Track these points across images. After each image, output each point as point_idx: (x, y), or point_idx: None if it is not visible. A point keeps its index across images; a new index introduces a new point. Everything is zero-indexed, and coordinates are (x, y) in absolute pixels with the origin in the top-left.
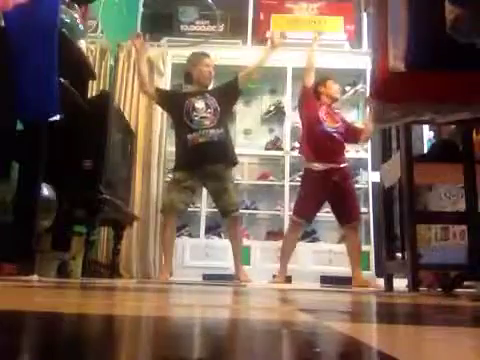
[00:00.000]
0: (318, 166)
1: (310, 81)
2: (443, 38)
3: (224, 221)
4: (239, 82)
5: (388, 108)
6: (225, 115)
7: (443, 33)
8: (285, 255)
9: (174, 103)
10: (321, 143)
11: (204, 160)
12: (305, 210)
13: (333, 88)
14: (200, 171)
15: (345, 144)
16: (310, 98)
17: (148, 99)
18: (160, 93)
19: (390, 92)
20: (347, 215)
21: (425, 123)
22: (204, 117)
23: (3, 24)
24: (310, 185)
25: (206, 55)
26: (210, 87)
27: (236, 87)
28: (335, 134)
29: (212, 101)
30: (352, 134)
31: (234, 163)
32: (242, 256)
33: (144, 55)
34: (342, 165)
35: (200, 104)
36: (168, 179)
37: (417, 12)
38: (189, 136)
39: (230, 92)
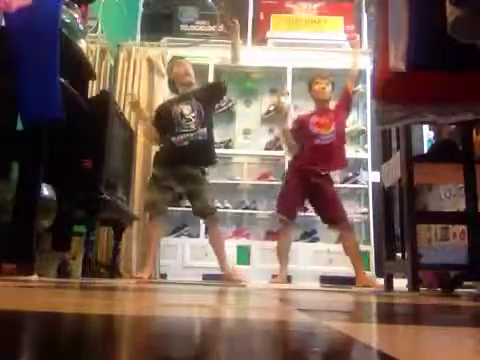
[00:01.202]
0: (298, 164)
1: (286, 124)
2: (444, 39)
3: (205, 222)
4: (223, 82)
5: (390, 109)
6: (208, 116)
7: (444, 34)
8: (280, 255)
9: (164, 116)
10: (314, 152)
11: (183, 162)
12: (284, 206)
13: (315, 90)
14: (177, 172)
15: (341, 146)
16: (297, 128)
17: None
18: (157, 123)
19: (391, 92)
20: (330, 217)
21: (427, 123)
22: (190, 120)
23: (4, 24)
24: (290, 181)
25: (179, 57)
26: (193, 88)
27: (220, 87)
28: (329, 141)
29: (196, 103)
30: (345, 98)
31: (213, 163)
32: (225, 255)
33: (144, 117)
34: (323, 172)
35: (186, 108)
36: None
37: (418, 13)
38: (174, 138)
39: (215, 93)
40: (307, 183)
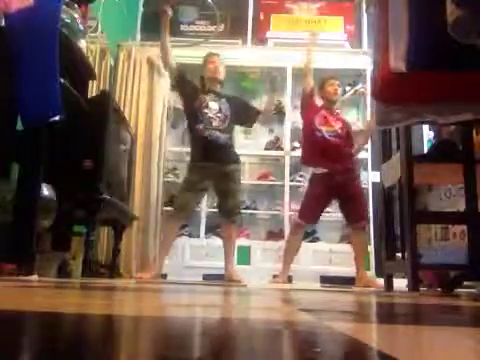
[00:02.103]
0: (322, 169)
1: (309, 84)
2: (444, 39)
3: (223, 221)
4: (256, 117)
5: (390, 109)
6: (233, 125)
7: (444, 34)
8: (288, 256)
9: (189, 92)
10: (318, 148)
11: (216, 158)
12: (308, 213)
13: (328, 91)
14: (213, 170)
15: (350, 144)
16: (309, 102)
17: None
18: (180, 73)
19: (391, 93)
20: (353, 215)
21: (427, 123)
22: (213, 118)
23: (4, 24)
24: (313, 188)
25: (213, 54)
26: (219, 87)
27: (252, 120)
28: (332, 138)
29: (226, 107)
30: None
31: (239, 163)
32: (234, 257)
33: (168, 27)
34: (346, 166)
35: (214, 105)
36: (168, 179)
37: (418, 13)
38: (198, 126)
39: (245, 117)
40: (334, 184)
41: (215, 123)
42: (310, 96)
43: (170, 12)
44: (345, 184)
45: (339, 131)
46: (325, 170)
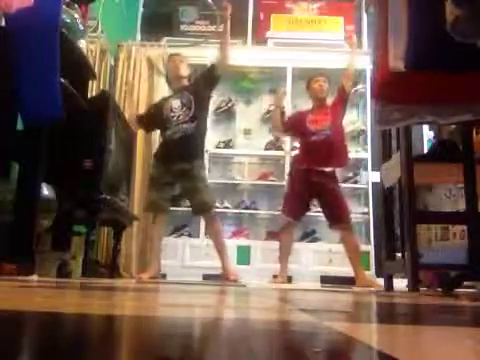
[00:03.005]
0: (302, 166)
1: (349, 85)
2: (443, 39)
3: (205, 220)
4: (215, 68)
5: (390, 109)
6: (200, 107)
7: (443, 34)
8: (283, 256)
9: (156, 117)
10: (310, 150)
11: (175, 156)
12: (289, 208)
13: (313, 88)
14: (171, 168)
15: (340, 143)
16: (291, 126)
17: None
18: (142, 120)
19: (390, 93)
20: (334, 217)
21: (427, 123)
22: (179, 115)
23: (4, 24)
24: (293, 183)
25: (172, 54)
26: (185, 82)
27: (213, 74)
28: (325, 138)
29: (186, 97)
30: (340, 95)
31: (199, 157)
32: (227, 254)
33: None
34: (325, 169)
35: (176, 103)
36: None
37: (417, 13)
38: (166, 133)
39: (206, 80)
40: (310, 183)
41: (181, 118)
42: (284, 131)
43: (230, 8)
44: (323, 185)
45: (332, 126)
46: (305, 167)
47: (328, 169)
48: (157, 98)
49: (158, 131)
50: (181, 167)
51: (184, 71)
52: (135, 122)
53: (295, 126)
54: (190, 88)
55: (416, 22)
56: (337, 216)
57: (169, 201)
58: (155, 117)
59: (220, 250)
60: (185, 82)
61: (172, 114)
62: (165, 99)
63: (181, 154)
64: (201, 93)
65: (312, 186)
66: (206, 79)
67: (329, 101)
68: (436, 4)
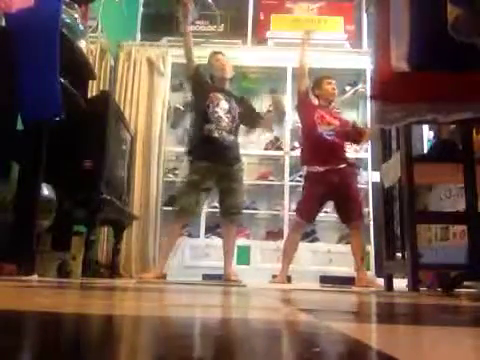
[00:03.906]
0: (317, 168)
1: (304, 85)
2: (445, 38)
3: (222, 220)
4: (259, 122)
5: (390, 109)
6: (238, 125)
7: (445, 33)
8: (287, 255)
9: (202, 90)
10: (317, 147)
11: (220, 157)
12: (307, 212)
13: (326, 89)
14: (215, 170)
15: (345, 144)
16: (305, 103)
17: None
18: (199, 70)
19: (392, 92)
20: (348, 215)
21: (427, 123)
22: (222, 118)
23: (4, 24)
24: (311, 187)
25: (217, 52)
26: (228, 85)
27: (256, 121)
28: (330, 137)
29: (234, 107)
30: (353, 135)
31: (241, 162)
32: (233, 257)
33: (188, 19)
34: (342, 166)
35: (225, 104)
36: (168, 179)
37: (419, 13)
38: (206, 126)
39: (250, 118)
40: (330, 183)
41: (224, 123)
42: (306, 96)
43: (190, 6)
44: (341, 183)
45: (338, 129)
46: (321, 169)
47: (344, 165)
48: (157, 98)
49: (158, 131)
50: (225, 169)
51: (230, 73)
52: (192, 68)
53: (308, 106)
54: (238, 103)
55: (418, 22)
56: (354, 213)
57: (202, 206)
58: (203, 87)
59: (228, 252)
60: (228, 84)
61: (217, 109)
62: (213, 87)
63: (225, 156)
64: (242, 118)
65: (332, 186)
66: (250, 118)
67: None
68: (438, 4)
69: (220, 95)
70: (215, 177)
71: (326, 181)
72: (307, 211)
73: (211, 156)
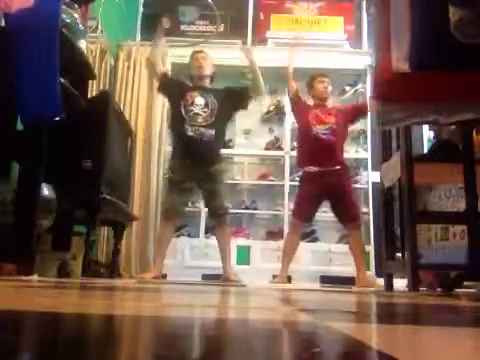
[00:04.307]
0: (312, 169)
1: (292, 88)
2: (447, 38)
3: (213, 222)
4: (248, 97)
5: (391, 109)
6: (221, 118)
7: (447, 33)
8: (286, 256)
9: (175, 92)
10: (312, 147)
11: (198, 156)
12: (303, 212)
13: (317, 88)
14: (195, 170)
15: (341, 144)
16: (299, 104)
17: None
18: (165, 76)
19: (393, 93)
20: (346, 215)
21: (428, 123)
22: (199, 114)
23: (4, 24)
24: (306, 188)
25: (197, 51)
26: (208, 82)
27: (244, 100)
28: (325, 136)
29: (212, 101)
30: (360, 110)
31: (220, 163)
32: (230, 256)
33: (162, 36)
34: (337, 167)
35: (200, 100)
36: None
37: (421, 13)
38: (183, 126)
39: (237, 100)
40: (325, 184)
41: (200, 119)
42: (297, 97)
43: (167, 25)
44: (336, 184)
45: (334, 126)
46: (316, 169)
47: (338, 167)
48: (157, 98)
49: (158, 131)
50: (207, 170)
51: (208, 70)
52: (160, 77)
53: (302, 108)
54: (218, 95)
55: (419, 22)
56: (350, 215)
57: (186, 205)
58: (177, 89)
59: (224, 252)
60: (208, 81)
61: (192, 108)
62: (189, 87)
63: (205, 157)
64: (226, 108)
65: (327, 187)
66: (237, 99)
67: (329, 103)
68: (439, 4)
69: (196, 93)
70: (195, 178)
71: (321, 181)
72: (303, 212)
73: (187, 156)
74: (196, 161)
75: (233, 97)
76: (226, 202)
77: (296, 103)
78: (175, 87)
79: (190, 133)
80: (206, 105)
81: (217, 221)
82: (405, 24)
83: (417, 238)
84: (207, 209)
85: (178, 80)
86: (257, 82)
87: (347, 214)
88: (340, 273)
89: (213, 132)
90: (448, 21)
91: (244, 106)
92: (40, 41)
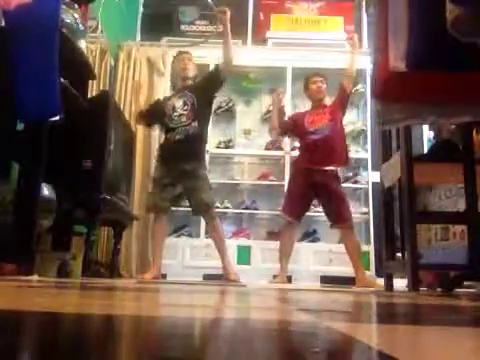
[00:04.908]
0: (301, 164)
1: (350, 85)
2: (444, 37)
3: (204, 218)
4: (220, 71)
5: (390, 109)
6: (202, 108)
7: (445, 32)
8: (282, 255)
9: (158, 113)
10: (307, 146)
11: (177, 157)
12: (291, 207)
13: (311, 89)
14: (175, 169)
15: (340, 141)
16: (290, 127)
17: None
18: (142, 114)
19: (391, 92)
20: (335, 217)
21: (428, 123)
22: (182, 114)
23: (3, 24)
24: (294, 182)
25: (181, 52)
26: (190, 84)
27: (217, 77)
28: (320, 135)
29: (190, 97)
30: (341, 93)
31: (201, 159)
32: (226, 252)
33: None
34: (327, 167)
35: (178, 102)
36: None
37: (418, 12)
38: (168, 135)
39: (210, 82)
40: (312, 183)
41: (184, 118)
42: (286, 129)
43: (228, 12)
44: (323, 185)
45: (331, 124)
46: (306, 166)
47: (329, 168)
48: (157, 98)
49: (158, 131)
50: (183, 168)
51: (191, 71)
52: (136, 117)
53: (294, 127)
54: (193, 88)
55: (417, 21)
56: (338, 216)
57: (170, 201)
58: (157, 112)
59: (221, 250)
60: (190, 82)
61: (175, 113)
62: (168, 98)
63: (183, 155)
64: (204, 95)
65: (313, 186)
66: (210, 81)
67: (328, 100)
68: (437, 3)
69: (173, 98)
70: (175, 175)
71: (308, 177)
72: (292, 208)
73: (169, 156)
74: (176, 160)
75: (206, 81)
76: (208, 197)
77: (288, 131)
78: (153, 112)
79: (178, 136)
80: (185, 103)
81: (205, 218)
82: (403, 23)
83: (417, 238)
84: (191, 208)
85: (152, 104)
86: (226, 51)
87: (334, 215)
88: (340, 273)
89: (196, 124)
90: (445, 20)
91: (218, 84)
92: (39, 39)
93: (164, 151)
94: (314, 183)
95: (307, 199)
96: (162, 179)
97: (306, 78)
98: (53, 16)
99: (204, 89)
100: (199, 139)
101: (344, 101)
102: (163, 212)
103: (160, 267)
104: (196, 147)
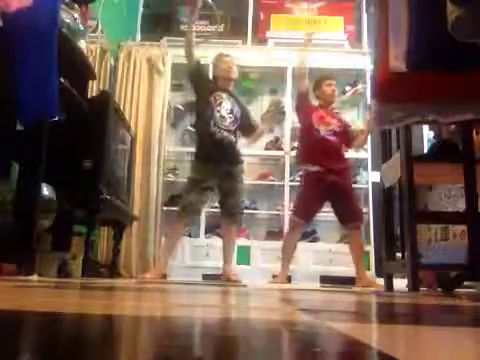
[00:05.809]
0: (316, 168)
1: (304, 86)
2: (444, 38)
3: (223, 220)
4: (252, 131)
5: (390, 109)
6: (238, 128)
7: (445, 33)
8: (285, 255)
9: (205, 87)
10: (316, 147)
11: (222, 157)
12: (303, 211)
13: (325, 91)
14: (218, 170)
15: (342, 146)
16: (305, 104)
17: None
18: (200, 67)
19: (392, 92)
20: (349, 215)
21: (427, 123)
22: (224, 117)
23: (2, 24)
24: (308, 186)
25: (224, 54)
26: (232, 87)
27: (251, 128)
28: (329, 137)
29: (237, 110)
30: (347, 138)
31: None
32: (233, 257)
33: (194, 19)
34: (340, 166)
35: (227, 104)
36: (168, 179)
37: (418, 12)
38: (209, 124)
39: (247, 126)
40: (324, 185)
41: (225, 123)
42: (305, 97)
43: (199, 3)
44: (338, 184)
45: (336, 129)
46: (319, 168)
47: (341, 166)
48: (157, 98)
49: (158, 131)
50: (227, 169)
51: (235, 74)
52: (194, 62)
53: (307, 107)
54: (241, 107)
55: (417, 21)
56: (353, 214)
57: (205, 204)
58: (205, 84)
59: (228, 252)
60: (232, 86)
61: (219, 108)
62: (216, 86)
63: (227, 156)
64: (241, 123)
65: (328, 186)
66: (246, 126)
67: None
68: (437, 3)
69: (223, 94)
70: (217, 177)
71: (324, 181)
72: (305, 211)
73: (214, 157)
74: (220, 160)
75: (246, 121)
76: (242, 203)
77: (303, 102)
78: (205, 81)
79: (217, 135)
80: (231, 111)
81: (229, 220)
82: (403, 23)
83: (417, 238)
84: (221, 207)
85: (207, 75)
86: (259, 136)
87: (349, 214)
88: (340, 273)
89: (234, 137)
90: (445, 20)
91: (246, 136)
92: (39, 41)
93: (207, 150)
94: (330, 183)
95: (322, 203)
96: (202, 182)
97: (319, 79)
98: (53, 17)
99: (242, 120)
100: (235, 147)
101: (347, 146)
102: (197, 214)
103: (166, 266)
104: (237, 153)
